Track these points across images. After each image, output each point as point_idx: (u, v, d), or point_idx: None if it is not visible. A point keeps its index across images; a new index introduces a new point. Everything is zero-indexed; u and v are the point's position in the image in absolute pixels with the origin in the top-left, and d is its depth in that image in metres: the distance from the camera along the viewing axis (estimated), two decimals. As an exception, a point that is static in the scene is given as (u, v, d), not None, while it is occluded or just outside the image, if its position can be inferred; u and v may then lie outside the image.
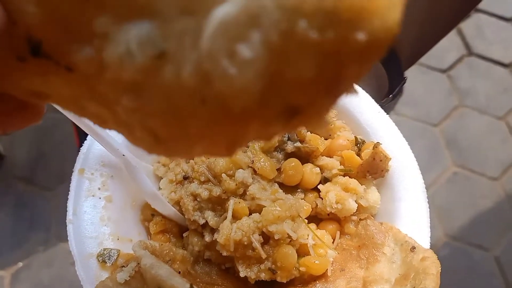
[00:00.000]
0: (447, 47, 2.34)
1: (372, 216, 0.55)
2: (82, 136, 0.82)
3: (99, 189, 0.54)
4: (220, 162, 0.51)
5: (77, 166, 0.54)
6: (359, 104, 0.58)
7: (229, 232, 0.47)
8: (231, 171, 0.51)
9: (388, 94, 0.72)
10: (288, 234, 0.48)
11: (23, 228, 1.61)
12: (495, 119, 2.23)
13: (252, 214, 0.50)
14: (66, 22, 0.19)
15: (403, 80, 0.72)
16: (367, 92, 0.60)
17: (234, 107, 0.18)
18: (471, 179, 2.15)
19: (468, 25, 2.35)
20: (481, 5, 2.43)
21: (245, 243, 0.47)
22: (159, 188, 0.56)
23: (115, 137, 0.54)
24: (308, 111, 0.18)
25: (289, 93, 0.18)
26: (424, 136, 2.24)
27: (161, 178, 0.57)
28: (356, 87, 0.56)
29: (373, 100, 0.58)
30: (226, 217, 0.50)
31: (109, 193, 0.53)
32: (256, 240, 0.46)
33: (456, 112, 2.25)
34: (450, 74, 2.30)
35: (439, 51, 2.34)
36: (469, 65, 2.31)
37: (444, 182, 2.11)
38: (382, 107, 0.67)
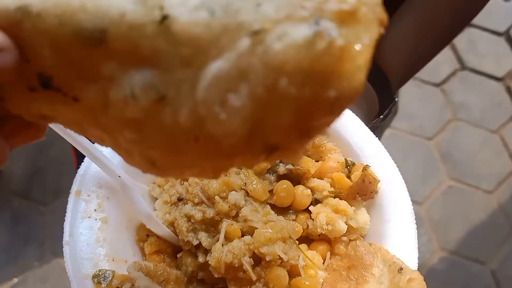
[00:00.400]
0: (440, 61, 2.37)
1: (362, 237, 0.56)
2: (80, 156, 0.83)
3: (95, 210, 0.55)
4: (214, 185, 0.52)
5: (74, 187, 0.56)
6: (350, 127, 0.60)
7: (220, 254, 0.48)
8: (224, 193, 0.53)
9: (378, 115, 0.73)
10: (279, 255, 0.49)
11: (18, 243, 1.61)
12: (489, 132, 2.25)
13: (244, 236, 0.52)
14: (76, 64, 0.22)
15: (393, 102, 0.74)
16: (357, 114, 0.62)
17: (223, 145, 0.21)
18: (466, 192, 2.16)
19: (460, 40, 2.39)
20: (473, 20, 2.47)
21: (236, 265, 0.48)
22: (154, 209, 0.57)
23: (111, 158, 0.55)
24: (285, 149, 0.22)
25: (270, 135, 0.21)
26: (419, 149, 2.27)
27: (156, 199, 0.58)
28: (347, 110, 0.57)
29: (362, 123, 0.60)
30: (218, 239, 0.51)
31: (104, 214, 0.54)
32: (246, 262, 0.48)
33: (450, 125, 2.28)
34: (443, 88, 2.33)
35: (433, 65, 2.37)
36: (463, 79, 2.34)
37: (439, 196, 2.13)
38: (373, 127, 0.68)
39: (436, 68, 2.35)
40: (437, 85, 2.37)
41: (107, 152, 0.56)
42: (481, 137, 2.25)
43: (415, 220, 0.55)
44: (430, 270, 1.96)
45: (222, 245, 0.50)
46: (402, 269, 0.49)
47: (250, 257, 0.48)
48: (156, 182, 0.60)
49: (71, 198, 0.55)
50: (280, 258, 0.49)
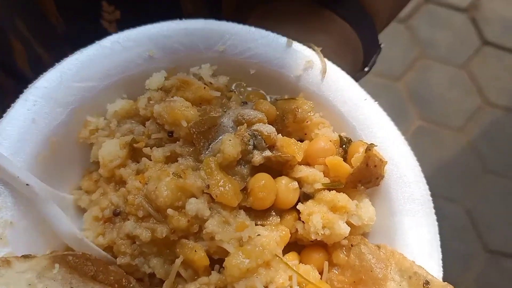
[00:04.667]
0: (405, -5, 2.22)
1: (364, 235, 0.43)
2: None
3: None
4: (164, 192, 0.37)
5: None
6: (340, 90, 0.45)
7: None
8: (180, 202, 0.37)
9: (363, 66, 0.59)
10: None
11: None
12: (457, 68, 2.17)
13: (213, 256, 0.38)
14: None
15: (378, 49, 0.60)
16: (341, 67, 0.47)
17: None
18: (436, 131, 2.11)
19: (423, -29, 2.23)
20: None
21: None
22: (82, 228, 0.41)
23: (13, 158, 0.38)
24: None
25: None
26: (387, 91, 2.16)
27: (86, 210, 0.42)
28: (334, 67, 0.38)
29: (357, 85, 0.45)
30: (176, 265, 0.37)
31: (9, 249, 0.37)
32: None
33: (417, 64, 2.17)
34: (408, 24, 2.20)
35: (398, 0, 2.21)
36: (428, 14, 2.21)
37: (409, 138, 2.05)
38: (355, 79, 0.56)
39: (400, 3, 2.19)
40: (402, 21, 2.24)
41: (6, 151, 0.39)
42: (449, 73, 2.18)
43: None
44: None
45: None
46: (428, 283, 0.37)
47: None
48: (83, 187, 0.43)
49: None
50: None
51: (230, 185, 0.38)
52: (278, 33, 0.46)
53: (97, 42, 0.43)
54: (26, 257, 0.36)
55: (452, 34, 2.23)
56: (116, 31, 0.62)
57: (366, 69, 0.60)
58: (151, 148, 0.41)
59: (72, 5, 0.61)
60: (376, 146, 0.41)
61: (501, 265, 1.80)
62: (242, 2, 0.59)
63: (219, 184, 0.38)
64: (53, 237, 0.40)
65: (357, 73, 0.60)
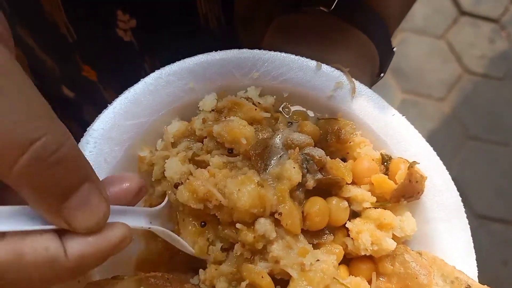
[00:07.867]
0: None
1: (405, 242, 0.47)
2: None
3: None
4: (243, 195, 0.40)
5: None
6: (370, 108, 0.48)
7: None
8: (255, 210, 0.40)
9: (379, 72, 0.62)
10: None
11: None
12: (435, 39, 2.22)
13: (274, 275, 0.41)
14: None
15: (392, 53, 0.63)
16: (363, 81, 0.50)
17: None
18: (419, 103, 2.17)
19: None
20: None
21: None
22: None
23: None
24: None
25: None
26: (369, 66, 2.19)
27: None
28: (362, 86, 0.42)
29: (384, 101, 0.48)
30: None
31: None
32: None
33: (395, 37, 2.21)
34: (388, -3, 2.22)
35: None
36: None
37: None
38: (372, 85, 0.59)
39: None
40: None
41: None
42: (427, 45, 2.22)
43: None
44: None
45: None
46: (470, 287, 0.41)
47: None
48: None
49: None
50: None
51: (298, 216, 0.41)
52: (299, 52, 0.48)
53: (142, 80, 0.44)
54: (115, 278, 0.38)
55: (428, 5, 2.25)
56: (131, 40, 0.63)
57: (382, 74, 0.62)
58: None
59: (84, 16, 0.60)
60: (418, 163, 0.44)
61: (490, 229, 1.90)
62: (256, 13, 0.60)
63: (291, 214, 0.40)
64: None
65: (374, 80, 0.62)
